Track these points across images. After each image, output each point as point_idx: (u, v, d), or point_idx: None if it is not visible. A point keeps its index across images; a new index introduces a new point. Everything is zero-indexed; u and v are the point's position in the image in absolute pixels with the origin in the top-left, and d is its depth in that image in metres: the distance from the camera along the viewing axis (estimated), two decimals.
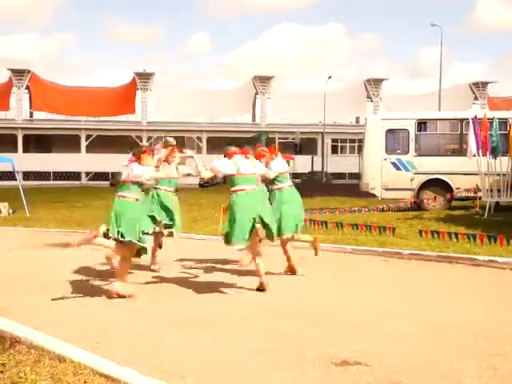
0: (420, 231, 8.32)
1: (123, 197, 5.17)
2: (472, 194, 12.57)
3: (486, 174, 11.19)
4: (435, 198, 13.21)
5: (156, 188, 6.13)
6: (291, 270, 6.19)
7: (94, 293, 5.36)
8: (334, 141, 44.12)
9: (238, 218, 5.17)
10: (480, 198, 12.01)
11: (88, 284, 5.77)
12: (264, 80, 44.22)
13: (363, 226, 8.96)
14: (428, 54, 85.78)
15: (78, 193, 25.28)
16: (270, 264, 6.15)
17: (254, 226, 5.20)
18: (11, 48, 72.67)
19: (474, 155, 11.07)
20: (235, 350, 3.64)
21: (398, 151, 13.73)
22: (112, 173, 30.70)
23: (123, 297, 5.06)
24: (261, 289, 5.32)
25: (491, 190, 11.30)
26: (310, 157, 29.76)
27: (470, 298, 5.09)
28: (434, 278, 6.02)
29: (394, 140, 13.87)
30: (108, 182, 6.30)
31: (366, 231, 8.81)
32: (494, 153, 10.98)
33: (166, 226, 6.25)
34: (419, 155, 13.46)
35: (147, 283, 5.74)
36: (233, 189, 5.33)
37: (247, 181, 5.34)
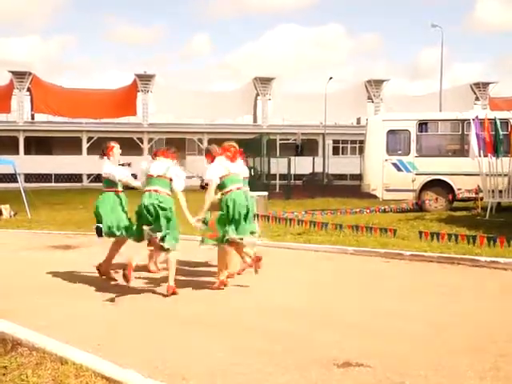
0: (420, 233, 8.29)
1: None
2: (473, 195, 12.56)
3: (487, 175, 11.18)
4: (437, 198, 13.21)
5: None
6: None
7: (95, 295, 5.36)
8: (335, 142, 44.17)
9: (231, 215, 5.31)
10: (481, 199, 11.99)
11: (89, 286, 5.76)
12: (265, 81, 44.29)
13: (364, 228, 8.93)
14: (428, 54, 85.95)
15: (79, 195, 25.32)
16: (270, 265, 6.14)
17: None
18: (12, 50, 72.97)
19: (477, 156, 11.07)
20: (237, 351, 3.64)
21: (400, 152, 13.73)
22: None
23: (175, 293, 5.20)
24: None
25: (493, 191, 11.28)
26: (311, 158, 29.82)
27: (473, 298, 5.08)
28: (435, 278, 6.01)
29: (395, 141, 13.88)
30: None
31: (366, 232, 8.78)
32: (497, 153, 10.97)
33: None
34: (420, 156, 13.45)
35: (148, 285, 5.74)
36: (224, 190, 5.42)
37: (236, 181, 5.48)
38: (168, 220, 5.19)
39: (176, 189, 5.34)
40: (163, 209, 5.15)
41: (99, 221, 5.85)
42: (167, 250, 5.27)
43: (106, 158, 5.95)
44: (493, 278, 5.97)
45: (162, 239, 5.16)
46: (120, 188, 5.96)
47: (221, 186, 5.46)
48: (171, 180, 5.29)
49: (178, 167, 5.49)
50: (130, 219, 5.87)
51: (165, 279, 5.91)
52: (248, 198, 5.55)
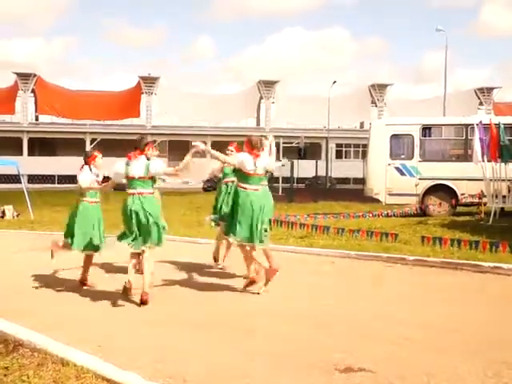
0: (422, 237, 8.26)
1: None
2: (477, 200, 12.52)
3: (490, 180, 11.14)
4: (440, 203, 13.17)
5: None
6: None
7: (96, 296, 5.35)
8: (338, 145, 44.19)
9: (246, 216, 5.24)
10: (485, 204, 11.95)
11: (90, 287, 5.77)
12: (268, 84, 44.36)
13: (364, 232, 8.89)
14: (432, 58, 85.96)
15: None
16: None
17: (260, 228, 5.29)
18: (17, 52, 73.38)
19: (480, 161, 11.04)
20: (238, 354, 3.63)
21: (403, 156, 13.70)
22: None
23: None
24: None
25: (496, 196, 11.25)
26: (314, 161, 29.75)
27: (476, 304, 5.06)
28: (438, 284, 5.99)
29: (399, 145, 13.84)
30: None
31: (368, 237, 8.75)
32: (502, 158, 10.93)
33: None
34: (424, 160, 13.42)
35: (151, 288, 5.73)
36: (242, 185, 5.34)
37: (257, 182, 5.39)
38: (154, 223, 5.08)
39: (163, 172, 5.29)
40: (150, 214, 5.05)
41: (71, 232, 5.70)
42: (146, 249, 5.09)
43: (86, 166, 5.77)
44: (496, 284, 5.95)
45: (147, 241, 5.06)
46: (94, 199, 5.76)
47: (241, 179, 5.39)
48: (153, 178, 5.16)
49: (156, 160, 5.30)
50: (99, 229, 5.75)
51: (167, 283, 5.92)
52: (264, 198, 5.45)
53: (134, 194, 5.11)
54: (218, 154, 5.54)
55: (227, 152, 6.18)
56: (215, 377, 3.26)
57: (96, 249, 5.77)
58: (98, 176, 5.84)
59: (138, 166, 5.12)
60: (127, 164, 5.16)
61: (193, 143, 5.46)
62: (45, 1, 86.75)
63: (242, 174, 5.38)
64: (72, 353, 3.49)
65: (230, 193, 6.20)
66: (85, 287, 5.77)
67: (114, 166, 5.33)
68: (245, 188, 5.33)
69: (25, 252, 8.47)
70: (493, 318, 4.54)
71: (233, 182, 6.05)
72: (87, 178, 5.72)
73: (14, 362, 3.48)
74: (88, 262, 5.87)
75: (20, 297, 5.39)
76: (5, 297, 5.34)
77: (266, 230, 5.45)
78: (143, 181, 5.12)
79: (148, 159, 5.17)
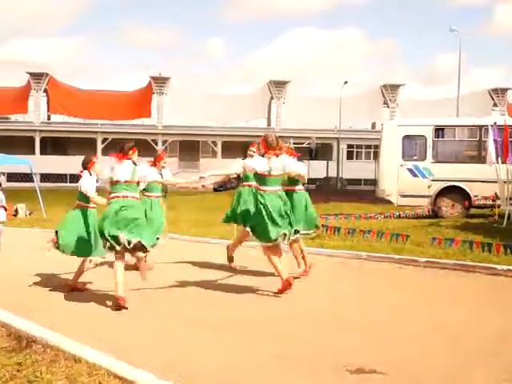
0: (433, 239, 8.19)
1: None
2: (490, 202, 12.37)
3: (505, 182, 11.01)
4: (453, 205, 13.04)
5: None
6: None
7: (108, 295, 5.37)
8: (349, 146, 43.92)
9: (262, 217, 5.19)
10: (499, 206, 11.81)
11: (101, 286, 5.79)
12: (279, 85, 44.26)
13: (375, 233, 8.82)
14: (445, 59, 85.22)
15: None
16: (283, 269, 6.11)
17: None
18: (30, 52, 74.21)
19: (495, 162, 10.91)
20: (250, 355, 3.62)
21: (415, 157, 13.60)
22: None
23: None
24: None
25: (510, 198, 11.10)
26: (325, 162, 29.71)
27: (489, 306, 4.99)
28: (450, 286, 5.93)
29: (411, 146, 13.75)
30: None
31: (379, 238, 8.68)
32: None
33: None
34: (436, 162, 13.31)
35: (163, 287, 5.74)
36: (260, 187, 5.29)
37: (274, 183, 5.30)
38: (140, 224, 4.96)
39: (155, 180, 5.43)
40: (133, 215, 4.92)
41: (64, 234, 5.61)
42: (144, 250, 4.99)
43: (86, 171, 5.68)
44: (510, 287, 5.87)
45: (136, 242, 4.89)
46: (92, 204, 5.64)
47: (258, 181, 5.34)
48: (138, 183, 5.06)
49: (144, 166, 5.27)
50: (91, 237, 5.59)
51: (180, 283, 5.93)
52: (289, 197, 5.44)
53: (117, 197, 4.93)
54: (221, 171, 5.57)
55: (249, 153, 6.15)
56: (227, 377, 3.25)
57: (88, 254, 5.62)
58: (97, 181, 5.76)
59: (123, 170, 4.99)
60: (111, 170, 5.05)
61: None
62: (58, 2, 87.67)
63: (258, 177, 5.34)
64: (84, 350, 3.51)
65: (249, 197, 6.17)
66: (77, 291, 5.60)
67: (104, 174, 5.23)
68: (263, 190, 5.25)
69: (37, 250, 8.54)
70: (507, 321, 4.47)
71: (252, 186, 6.08)
72: (93, 186, 5.59)
73: (27, 358, 3.51)
74: (82, 266, 5.73)
75: (32, 294, 5.44)
76: (17, 294, 5.39)
77: (296, 232, 5.37)
78: (128, 185, 4.97)
79: (134, 163, 5.06)
